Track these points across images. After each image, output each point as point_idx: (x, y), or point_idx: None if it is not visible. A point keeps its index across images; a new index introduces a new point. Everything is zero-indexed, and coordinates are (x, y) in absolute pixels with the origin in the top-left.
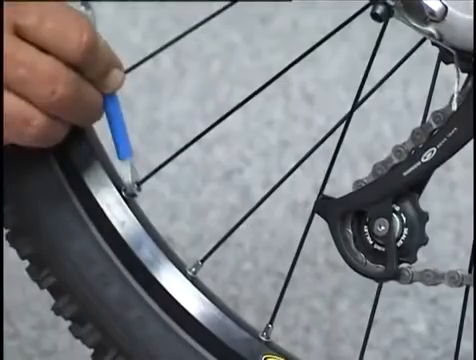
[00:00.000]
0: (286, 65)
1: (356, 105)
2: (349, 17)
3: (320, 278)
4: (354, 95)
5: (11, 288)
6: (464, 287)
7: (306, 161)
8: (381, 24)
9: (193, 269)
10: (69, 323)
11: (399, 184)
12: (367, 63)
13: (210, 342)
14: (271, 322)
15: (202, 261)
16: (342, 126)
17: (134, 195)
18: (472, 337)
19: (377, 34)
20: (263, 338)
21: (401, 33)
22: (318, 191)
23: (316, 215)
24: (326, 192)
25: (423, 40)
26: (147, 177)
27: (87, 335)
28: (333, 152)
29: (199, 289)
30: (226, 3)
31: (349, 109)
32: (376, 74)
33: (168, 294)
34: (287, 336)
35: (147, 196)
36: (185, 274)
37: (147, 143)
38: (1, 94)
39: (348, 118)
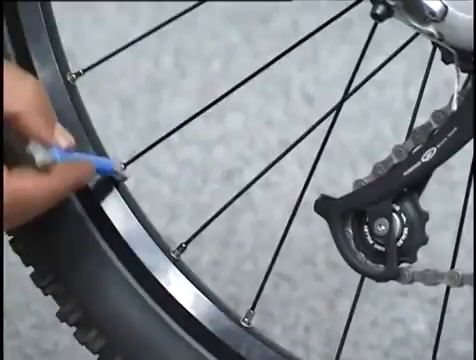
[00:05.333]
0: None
1: (346, 96)
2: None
3: (320, 278)
4: (354, 96)
5: (11, 288)
6: (464, 287)
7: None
8: (381, 25)
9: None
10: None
11: (399, 184)
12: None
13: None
14: (252, 308)
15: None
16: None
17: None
18: (472, 337)
19: (378, 35)
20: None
21: (402, 33)
22: (319, 192)
23: (316, 215)
24: (327, 192)
25: (417, 34)
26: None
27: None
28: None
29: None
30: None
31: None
32: (377, 74)
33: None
34: (287, 336)
35: (147, 196)
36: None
37: (147, 143)
38: (1, 126)
39: (338, 108)
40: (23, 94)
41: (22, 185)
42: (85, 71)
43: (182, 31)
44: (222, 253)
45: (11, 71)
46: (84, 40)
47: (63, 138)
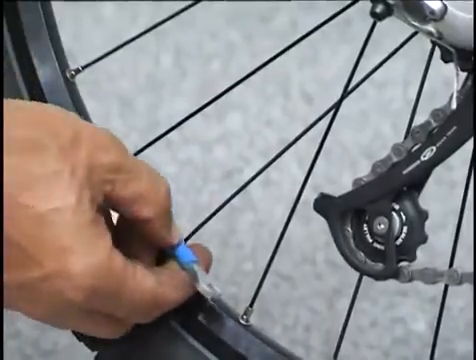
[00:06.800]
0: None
1: (345, 94)
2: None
3: (320, 277)
4: (353, 95)
5: None
6: (464, 286)
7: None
8: (380, 24)
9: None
10: None
11: (399, 183)
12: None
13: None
14: (251, 305)
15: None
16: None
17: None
18: (472, 337)
19: (377, 34)
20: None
21: (401, 32)
22: (318, 191)
23: (316, 214)
24: (326, 191)
25: (416, 33)
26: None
27: None
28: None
29: None
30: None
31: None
32: (376, 73)
33: None
34: (287, 336)
35: None
36: None
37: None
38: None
39: (337, 107)
40: (157, 199)
41: (165, 296)
42: (84, 68)
43: (182, 31)
44: (222, 253)
45: (149, 171)
46: (84, 40)
47: (176, 234)
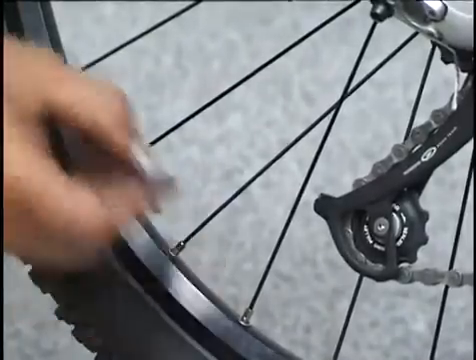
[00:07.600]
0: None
1: (346, 95)
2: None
3: (320, 278)
4: (353, 96)
5: (11, 288)
6: (464, 287)
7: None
8: (381, 24)
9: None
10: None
11: (399, 183)
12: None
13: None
14: (251, 306)
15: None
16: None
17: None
18: (472, 337)
19: (377, 35)
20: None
21: (401, 33)
22: (319, 192)
23: (316, 214)
24: (327, 192)
25: (416, 33)
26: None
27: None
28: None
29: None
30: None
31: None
32: (377, 74)
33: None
34: (287, 336)
35: None
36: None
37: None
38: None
39: (337, 107)
40: (101, 103)
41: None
42: (84, 69)
43: (182, 31)
44: (222, 253)
45: (90, 80)
46: (84, 40)
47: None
